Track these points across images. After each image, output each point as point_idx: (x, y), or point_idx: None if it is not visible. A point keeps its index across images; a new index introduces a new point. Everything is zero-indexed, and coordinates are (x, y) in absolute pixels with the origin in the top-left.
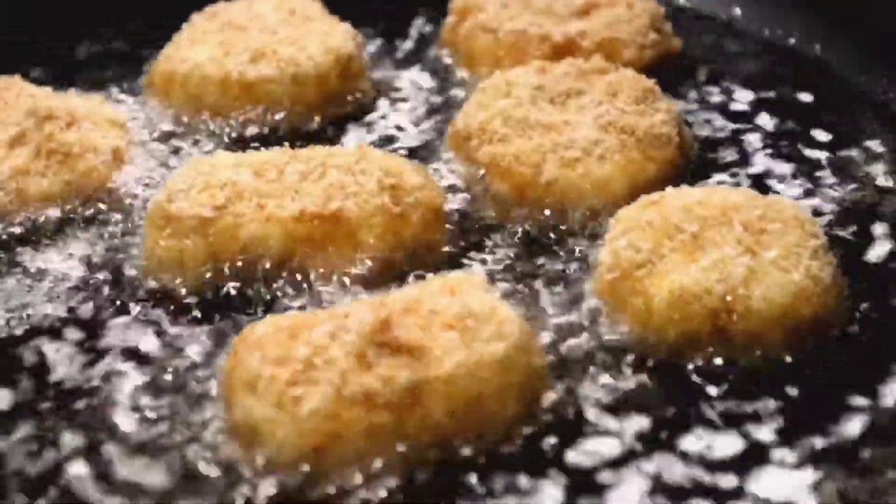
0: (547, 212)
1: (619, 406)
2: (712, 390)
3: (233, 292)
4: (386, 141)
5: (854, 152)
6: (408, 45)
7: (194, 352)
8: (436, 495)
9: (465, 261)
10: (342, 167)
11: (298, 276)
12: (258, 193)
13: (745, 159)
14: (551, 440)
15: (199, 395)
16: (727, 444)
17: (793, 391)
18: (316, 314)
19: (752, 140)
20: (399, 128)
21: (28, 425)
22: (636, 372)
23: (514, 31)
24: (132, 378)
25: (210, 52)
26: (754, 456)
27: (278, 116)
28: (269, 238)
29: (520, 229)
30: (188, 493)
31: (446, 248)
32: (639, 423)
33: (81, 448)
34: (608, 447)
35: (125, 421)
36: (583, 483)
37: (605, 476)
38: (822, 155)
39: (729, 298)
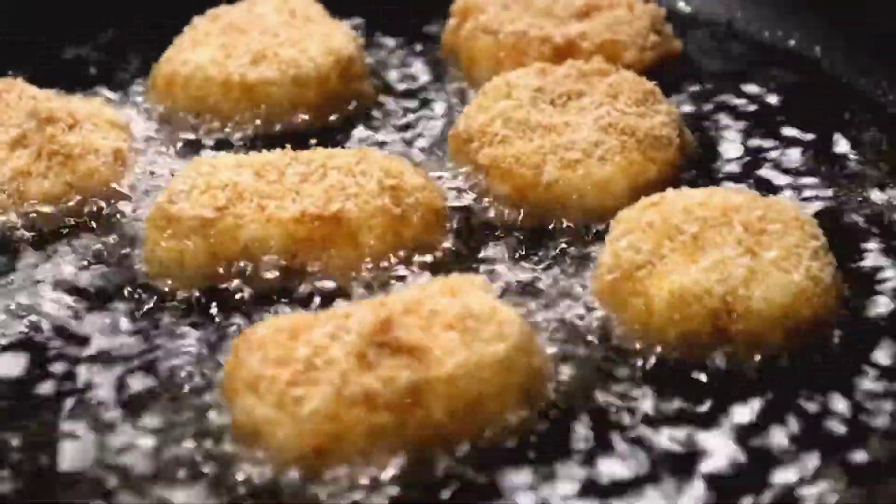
0: (547, 213)
1: (620, 406)
2: (712, 390)
3: (234, 293)
4: (386, 142)
5: (854, 154)
6: (408, 47)
7: (195, 353)
8: (437, 495)
9: (466, 262)
10: (343, 168)
11: (299, 277)
12: (259, 195)
13: (745, 161)
14: (552, 440)
15: (200, 396)
16: (727, 443)
17: (793, 391)
18: (316, 315)
19: (753, 141)
20: (399, 129)
21: (26, 423)
22: (636, 372)
23: (515, 33)
24: (132, 379)
25: (211, 54)
26: (754, 455)
27: (279, 118)
28: (270, 239)
29: (520, 230)
30: (189, 493)
31: (447, 249)
32: (640, 423)
33: (81, 448)
34: (609, 447)
35: (126, 422)
36: (583, 483)
37: (605, 475)
38: (821, 156)
39: (729, 299)
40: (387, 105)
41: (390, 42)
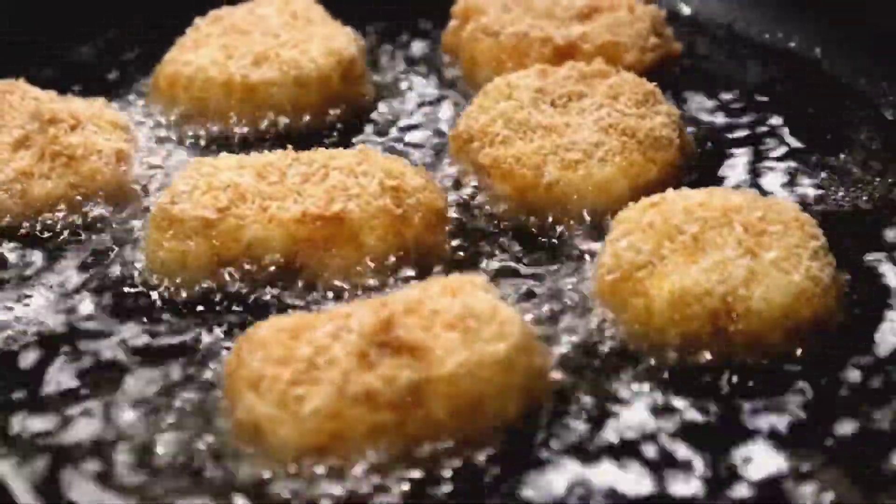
0: (548, 213)
1: (620, 406)
2: (713, 390)
3: (235, 293)
4: (387, 143)
5: (853, 155)
6: (409, 48)
7: (197, 352)
8: (437, 494)
9: (467, 262)
10: (344, 169)
11: (301, 277)
12: (261, 195)
13: (745, 161)
14: (552, 439)
15: (202, 396)
16: (726, 442)
17: (791, 390)
18: (318, 315)
19: (752, 142)
20: (400, 130)
21: (30, 423)
22: (636, 372)
23: (516, 35)
24: (135, 379)
25: (213, 56)
26: (753, 452)
27: (281, 119)
28: (272, 239)
29: (521, 231)
30: (191, 492)
31: (448, 250)
32: (639, 422)
33: (84, 448)
34: (609, 447)
35: (128, 421)
36: (583, 482)
37: (605, 474)
38: (821, 157)
39: (729, 299)
40: (388, 106)
41: (391, 43)
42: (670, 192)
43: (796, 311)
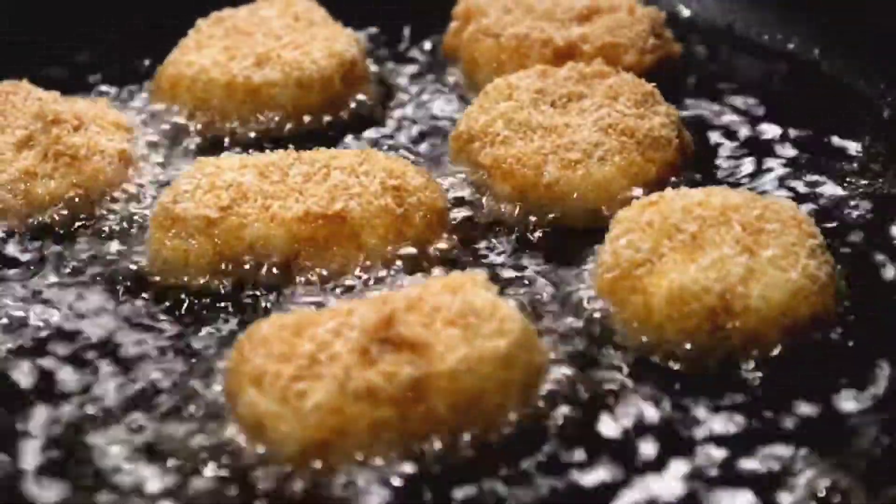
0: (548, 212)
1: (619, 403)
2: (711, 387)
3: (237, 292)
4: (389, 144)
5: (852, 155)
6: (411, 50)
7: (200, 350)
8: (438, 489)
9: (467, 261)
10: (345, 168)
11: (302, 276)
12: (263, 194)
13: (743, 161)
14: (552, 436)
15: (205, 393)
16: (725, 440)
17: (790, 388)
18: (320, 312)
19: (751, 143)
20: (402, 131)
21: (31, 421)
22: (636, 369)
23: (517, 36)
24: (136, 376)
25: (215, 57)
26: (752, 451)
27: (283, 120)
28: (274, 238)
29: (521, 230)
30: (194, 488)
31: (448, 249)
32: (638, 419)
33: (86, 446)
34: (608, 443)
35: (130, 419)
36: (583, 477)
37: (605, 471)
38: (820, 158)
39: (727, 297)
40: (389, 107)
41: (392, 45)
42: (669, 191)
43: (794, 308)
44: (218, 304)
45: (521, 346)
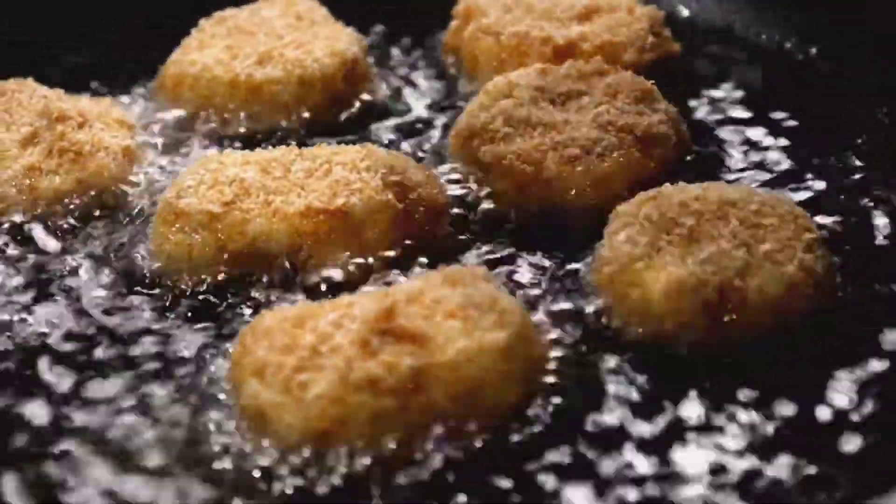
0: (547, 208)
1: (618, 396)
2: (709, 380)
3: (240, 286)
4: (390, 141)
5: (850, 154)
6: (412, 48)
7: (203, 344)
8: (439, 480)
9: (468, 256)
10: (347, 164)
11: (304, 270)
12: (265, 190)
13: (741, 158)
14: (551, 429)
15: (208, 386)
16: (723, 436)
17: (786, 382)
18: (321, 305)
19: (749, 140)
20: (403, 128)
21: (38, 413)
22: (634, 362)
23: (517, 35)
24: (140, 370)
25: (218, 56)
26: (750, 445)
27: (285, 118)
28: (276, 233)
29: (521, 225)
30: (198, 481)
31: (449, 244)
32: (637, 411)
33: (90, 439)
34: (607, 436)
35: (134, 412)
36: (582, 472)
37: (603, 464)
38: (818, 157)
39: (725, 290)
40: (390, 105)
41: (394, 44)
42: (667, 186)
43: (790, 301)
44: (221, 298)
45: (521, 339)
